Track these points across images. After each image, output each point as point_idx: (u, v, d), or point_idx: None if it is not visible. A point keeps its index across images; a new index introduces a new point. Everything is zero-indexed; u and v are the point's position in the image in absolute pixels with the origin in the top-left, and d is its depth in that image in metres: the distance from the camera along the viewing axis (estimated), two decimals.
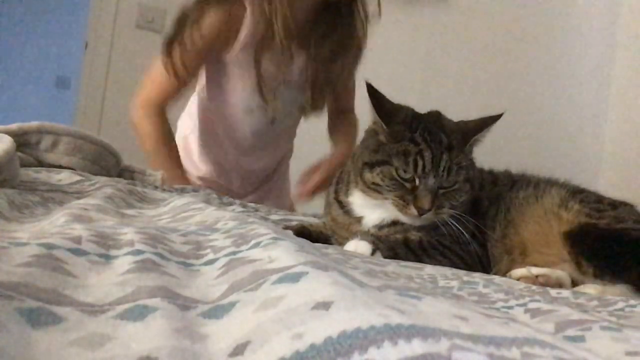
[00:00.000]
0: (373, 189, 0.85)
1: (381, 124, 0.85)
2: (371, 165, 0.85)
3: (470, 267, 0.82)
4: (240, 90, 1.39)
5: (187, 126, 1.56)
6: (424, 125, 0.84)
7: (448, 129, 0.85)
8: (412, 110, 0.91)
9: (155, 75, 1.40)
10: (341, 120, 1.55)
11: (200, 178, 1.52)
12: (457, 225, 0.83)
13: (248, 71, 1.35)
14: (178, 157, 1.45)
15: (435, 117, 0.89)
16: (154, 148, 1.42)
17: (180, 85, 1.38)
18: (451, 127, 0.86)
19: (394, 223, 0.87)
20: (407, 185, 0.82)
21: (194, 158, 1.53)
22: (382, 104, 0.86)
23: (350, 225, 0.90)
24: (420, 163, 0.81)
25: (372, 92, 0.86)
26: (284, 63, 1.36)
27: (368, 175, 0.85)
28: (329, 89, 1.44)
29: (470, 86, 2.62)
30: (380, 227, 0.87)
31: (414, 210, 0.82)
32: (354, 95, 1.54)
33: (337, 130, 1.55)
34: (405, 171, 0.82)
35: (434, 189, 0.82)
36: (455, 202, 0.84)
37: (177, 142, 1.50)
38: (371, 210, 0.88)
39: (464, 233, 0.83)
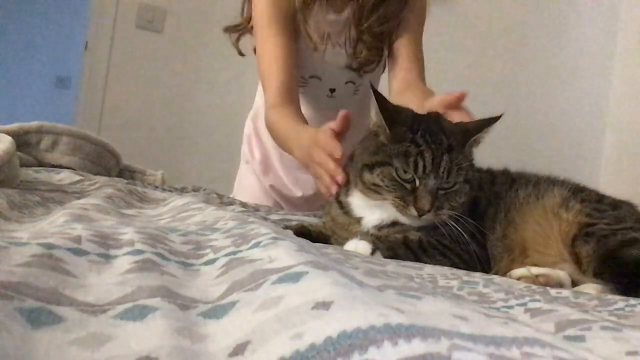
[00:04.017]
0: (373, 190, 0.85)
1: (384, 126, 0.85)
2: (371, 167, 0.85)
3: (469, 267, 0.82)
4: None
5: (249, 125, 1.56)
6: (424, 127, 0.84)
7: (448, 130, 0.85)
8: (412, 111, 0.91)
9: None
10: (410, 94, 1.24)
11: (272, 186, 1.50)
12: (455, 225, 0.83)
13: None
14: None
15: (435, 119, 0.89)
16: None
17: None
18: (451, 128, 0.86)
19: (394, 224, 0.87)
20: (407, 186, 0.82)
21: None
22: (386, 106, 0.86)
23: (349, 226, 0.90)
24: (420, 164, 0.81)
25: (377, 95, 0.86)
26: (329, 13, 1.32)
27: (368, 177, 0.85)
28: (374, 40, 1.33)
29: (471, 86, 2.61)
30: (379, 227, 0.87)
31: (413, 211, 0.82)
32: (421, 65, 1.34)
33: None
34: (405, 172, 0.82)
35: (434, 190, 0.82)
36: (454, 203, 0.84)
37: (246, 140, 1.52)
38: (371, 211, 0.88)
39: (463, 234, 0.83)
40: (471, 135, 0.85)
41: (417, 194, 0.82)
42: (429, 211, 0.81)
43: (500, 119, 0.86)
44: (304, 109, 1.32)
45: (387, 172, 0.83)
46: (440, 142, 0.83)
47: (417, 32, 1.37)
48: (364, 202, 0.88)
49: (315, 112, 1.41)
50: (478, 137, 0.86)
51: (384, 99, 0.88)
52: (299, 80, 1.37)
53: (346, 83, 1.40)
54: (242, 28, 1.41)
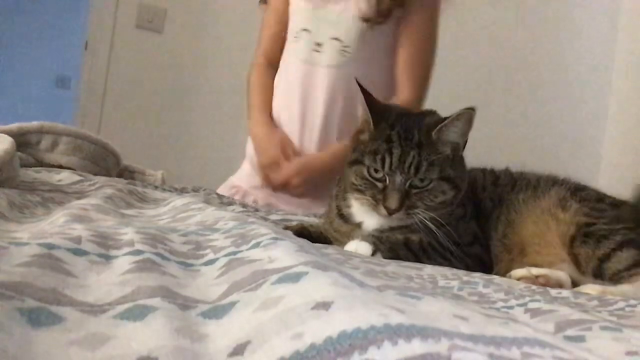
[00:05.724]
0: (354, 189, 0.85)
1: (370, 123, 0.84)
2: (349, 165, 0.85)
3: (471, 270, 0.82)
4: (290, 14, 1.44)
5: None
6: (402, 123, 0.83)
7: (426, 127, 0.82)
8: (399, 108, 0.90)
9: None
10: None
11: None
12: (437, 231, 0.80)
13: None
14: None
15: (421, 116, 0.86)
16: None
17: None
18: (429, 124, 0.83)
19: (393, 228, 0.85)
20: (379, 185, 0.81)
21: None
22: (374, 103, 0.86)
23: (351, 232, 0.89)
24: (387, 160, 0.80)
25: (364, 91, 0.85)
26: None
27: (348, 176, 0.85)
28: None
29: (471, 85, 2.61)
30: (380, 231, 0.86)
31: (383, 210, 0.81)
32: (411, 72, 1.42)
33: None
34: (376, 170, 0.81)
35: (401, 188, 0.80)
36: (430, 202, 0.82)
37: None
38: (369, 215, 0.87)
39: (458, 239, 0.81)
40: (435, 125, 0.82)
41: (386, 192, 0.80)
42: (397, 210, 0.80)
43: (474, 112, 0.82)
44: (290, 67, 1.42)
45: (360, 171, 0.83)
46: (412, 138, 0.81)
47: (422, 27, 1.42)
48: (362, 206, 0.88)
49: (301, 65, 1.43)
50: (441, 127, 0.81)
51: (371, 95, 0.86)
52: (292, 37, 1.43)
53: (333, 39, 1.40)
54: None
